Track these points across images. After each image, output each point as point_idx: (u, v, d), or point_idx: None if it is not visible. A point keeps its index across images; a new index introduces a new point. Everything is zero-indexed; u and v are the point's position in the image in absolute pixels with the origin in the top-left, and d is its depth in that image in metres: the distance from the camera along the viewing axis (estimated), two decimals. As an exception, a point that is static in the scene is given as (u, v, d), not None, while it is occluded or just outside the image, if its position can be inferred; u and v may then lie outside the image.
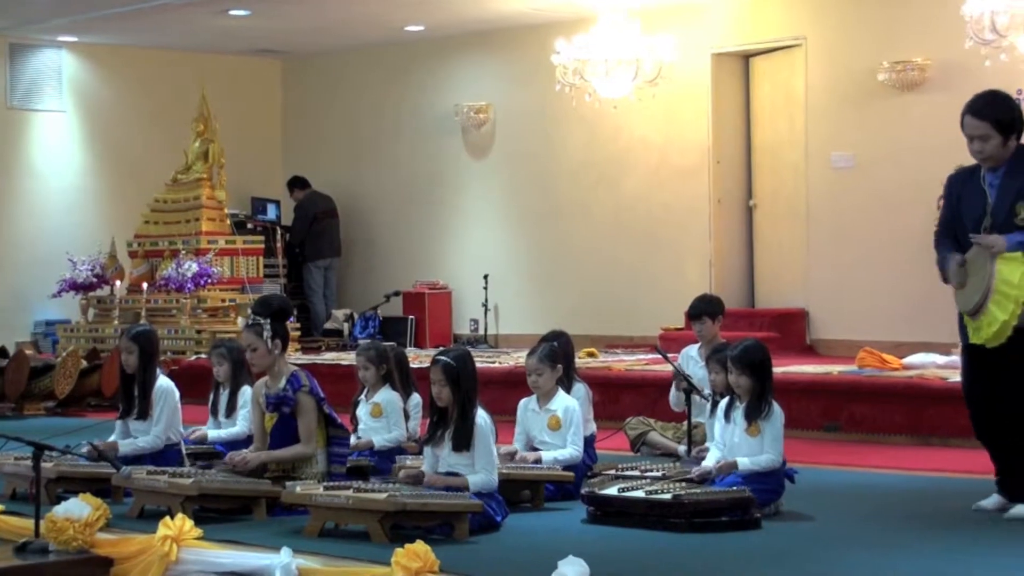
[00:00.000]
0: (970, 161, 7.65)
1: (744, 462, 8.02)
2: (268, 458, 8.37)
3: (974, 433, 8.13)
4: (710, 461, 8.30)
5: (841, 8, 16.12)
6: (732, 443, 8.17)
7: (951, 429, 10.92)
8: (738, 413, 8.18)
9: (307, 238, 19.91)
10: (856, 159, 16.01)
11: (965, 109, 7.89)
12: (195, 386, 12.27)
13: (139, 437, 9.16)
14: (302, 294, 19.80)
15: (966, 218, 7.87)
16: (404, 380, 10.20)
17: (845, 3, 16.08)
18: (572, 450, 8.91)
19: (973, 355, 7.87)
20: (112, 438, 9.28)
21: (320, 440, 8.42)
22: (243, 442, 9.53)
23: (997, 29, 13.74)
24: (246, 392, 10.01)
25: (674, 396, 10.59)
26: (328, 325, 19.29)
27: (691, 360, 10.88)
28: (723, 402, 8.37)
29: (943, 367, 12.13)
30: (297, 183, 20.11)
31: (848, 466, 10.30)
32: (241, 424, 9.98)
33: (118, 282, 17.84)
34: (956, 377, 10.06)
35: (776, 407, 8.15)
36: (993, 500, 7.93)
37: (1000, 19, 13.70)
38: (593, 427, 9.75)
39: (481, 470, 7.72)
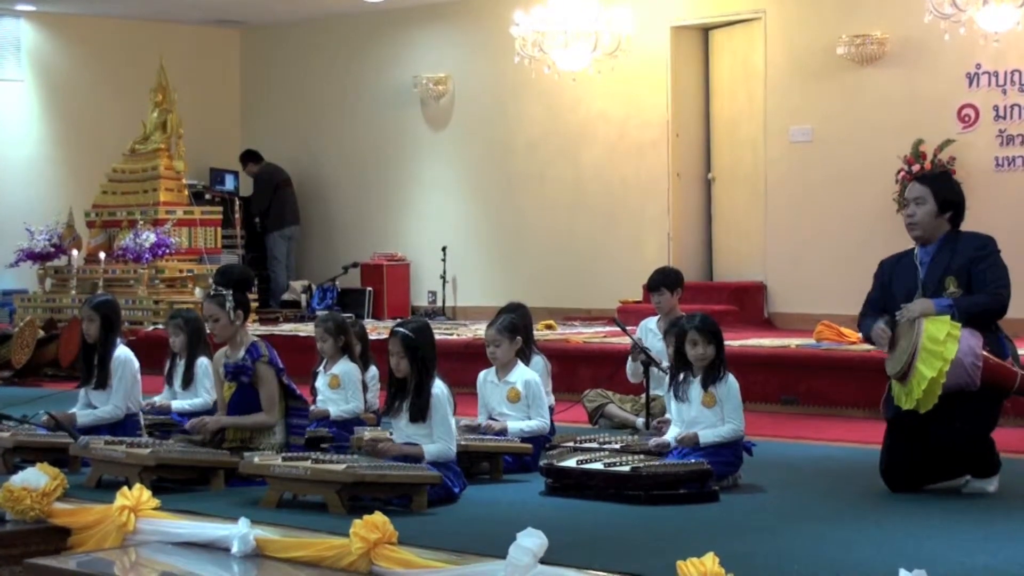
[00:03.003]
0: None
1: (706, 434, 8.02)
2: (229, 423, 8.34)
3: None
4: (670, 436, 8.30)
5: (801, -18, 16.15)
6: (690, 419, 8.16)
7: (908, 403, 10.95)
8: (691, 388, 8.17)
9: (270, 208, 19.89)
10: (814, 133, 16.04)
11: (913, 177, 8.01)
12: (152, 356, 12.20)
13: (98, 407, 9.11)
14: (261, 265, 19.75)
15: (898, 294, 7.97)
16: (363, 352, 10.19)
17: (805, -23, 16.10)
18: (539, 421, 8.92)
19: (899, 427, 7.84)
20: (74, 408, 9.22)
21: (279, 411, 8.40)
22: (205, 413, 9.48)
23: (956, 3, 13.79)
24: (203, 363, 9.99)
25: (631, 367, 10.60)
26: (286, 296, 19.27)
27: (649, 332, 10.88)
28: (679, 378, 8.34)
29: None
30: (250, 157, 20.07)
31: (806, 439, 10.34)
32: (204, 396, 9.94)
33: (75, 252, 17.76)
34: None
35: (731, 377, 8.16)
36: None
37: (959, -7, 13.75)
38: (551, 399, 9.74)
39: (438, 439, 7.70)
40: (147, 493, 7.15)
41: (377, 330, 13.73)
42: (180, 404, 10.04)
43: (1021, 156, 14.70)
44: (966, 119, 14.98)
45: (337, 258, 19.70)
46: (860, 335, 8.20)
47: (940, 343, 7.50)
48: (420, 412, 7.71)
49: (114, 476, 8.08)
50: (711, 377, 8.12)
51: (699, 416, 8.13)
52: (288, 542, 6.56)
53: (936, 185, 8.04)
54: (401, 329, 7.82)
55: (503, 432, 8.79)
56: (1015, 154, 14.73)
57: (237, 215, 19.60)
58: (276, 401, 8.36)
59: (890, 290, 8.06)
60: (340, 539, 6.37)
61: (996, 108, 14.82)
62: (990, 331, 7.81)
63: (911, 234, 8.08)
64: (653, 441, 8.38)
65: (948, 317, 7.59)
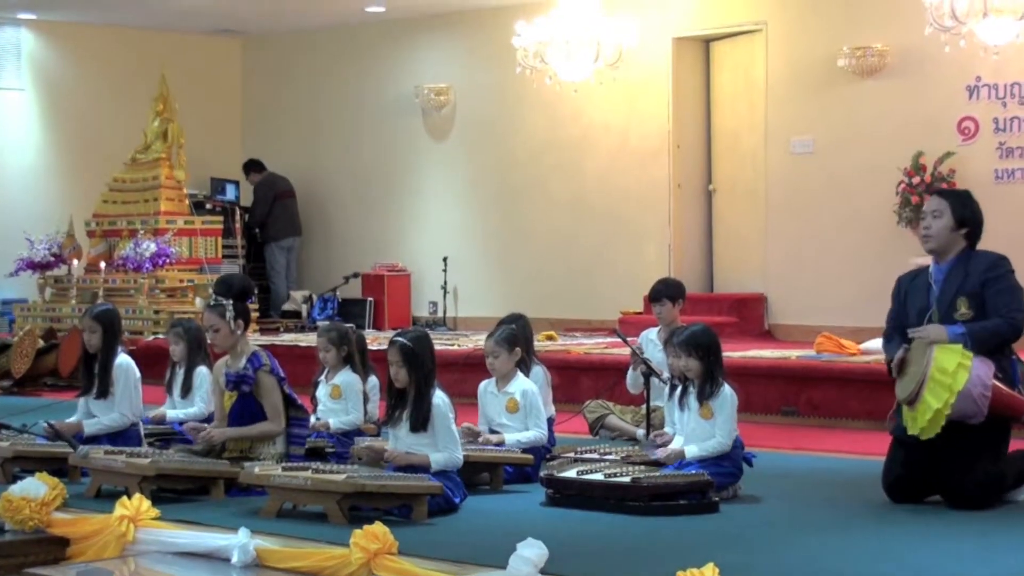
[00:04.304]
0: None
1: (692, 450, 8.04)
2: (234, 434, 8.36)
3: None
4: (675, 445, 8.31)
5: (802, -6, 16.18)
6: (689, 430, 8.19)
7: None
8: (690, 399, 8.20)
9: (268, 218, 19.89)
10: (815, 144, 16.05)
11: (934, 191, 8.05)
12: (152, 366, 12.22)
13: (99, 416, 9.11)
14: (262, 275, 19.75)
15: (912, 311, 8.00)
16: (363, 362, 10.20)
17: (806, -11, 16.13)
18: (536, 432, 8.93)
19: (905, 447, 7.87)
20: (75, 417, 9.23)
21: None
22: (201, 423, 9.49)
23: (956, 16, 13.79)
24: (202, 372, 10.01)
25: (631, 378, 10.59)
26: (286, 306, 19.27)
27: (650, 343, 10.89)
28: (677, 391, 8.36)
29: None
30: (253, 166, 20.07)
31: (805, 450, 10.35)
32: (199, 405, 9.95)
33: (75, 261, 17.76)
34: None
35: (727, 389, 8.15)
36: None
37: (959, 5, 13.75)
38: (552, 410, 9.75)
39: (444, 448, 7.72)
40: (147, 503, 7.15)
41: (378, 340, 13.73)
42: (175, 413, 10.04)
43: (1021, 168, 14.71)
44: (966, 131, 15.00)
45: (338, 268, 19.70)
46: (885, 358, 8.17)
47: (949, 374, 7.52)
48: (421, 422, 7.72)
49: (113, 486, 8.08)
50: (705, 391, 8.13)
51: (697, 428, 8.14)
52: (288, 552, 6.57)
53: (955, 200, 8.05)
54: (400, 339, 7.83)
55: (500, 444, 8.80)
56: (1015, 166, 14.75)
57: (238, 225, 19.60)
58: (280, 409, 8.38)
59: (905, 308, 8.08)
60: (340, 549, 6.38)
61: (996, 120, 14.84)
62: (1003, 355, 7.83)
63: (925, 247, 8.08)
64: (647, 450, 8.41)
65: (960, 346, 7.60)
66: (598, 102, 17.49)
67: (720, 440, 8.05)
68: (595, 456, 8.53)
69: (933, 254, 8.04)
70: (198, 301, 16.42)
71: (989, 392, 7.58)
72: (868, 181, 15.48)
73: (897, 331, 8.07)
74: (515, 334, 9.16)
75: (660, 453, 8.20)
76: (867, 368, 11.67)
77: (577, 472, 7.93)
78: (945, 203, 8.01)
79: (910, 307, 8.02)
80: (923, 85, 15.27)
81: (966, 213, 8.00)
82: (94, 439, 8.89)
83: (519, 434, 8.89)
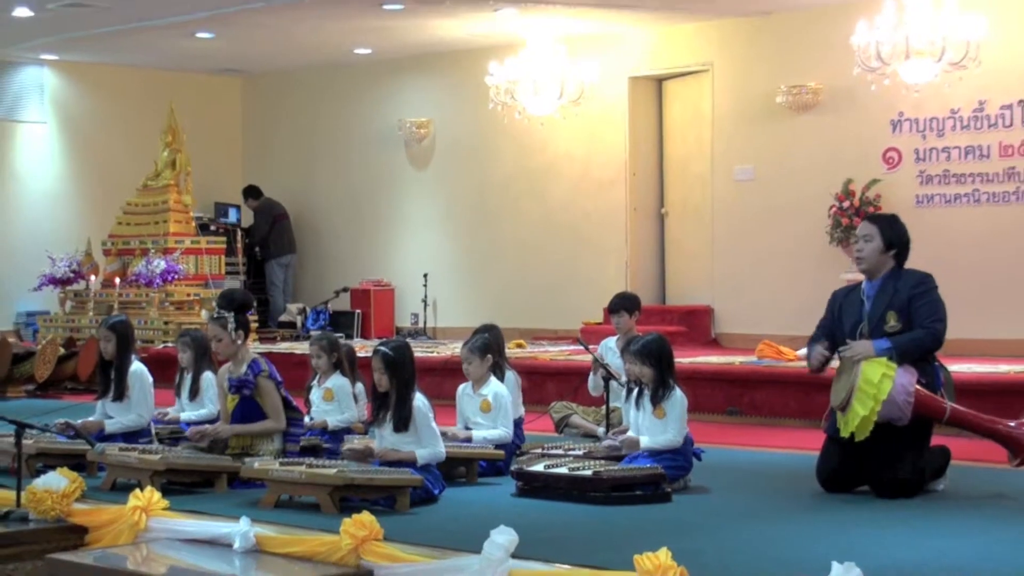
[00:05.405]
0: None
1: (645, 440, 8.04)
2: (241, 430, 8.34)
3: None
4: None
5: (744, 37, 16.19)
6: (643, 427, 8.18)
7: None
8: (645, 400, 8.20)
9: (269, 238, 19.87)
10: (756, 172, 16.09)
11: (864, 216, 8.07)
12: (163, 372, 12.16)
13: (115, 417, 9.09)
14: (262, 289, 19.71)
15: (846, 324, 8.00)
16: (352, 368, 10.17)
17: (748, 33, 16.15)
18: (502, 431, 8.91)
19: (838, 444, 7.86)
20: (93, 418, 9.22)
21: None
22: (211, 422, 9.45)
23: (882, 57, 13.85)
24: (207, 377, 9.96)
25: (592, 382, 10.58)
26: (283, 318, 19.22)
27: (609, 351, 10.88)
28: (634, 392, 8.36)
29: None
30: (251, 192, 20.05)
31: (748, 446, 10.34)
32: (209, 407, 9.91)
33: (93, 277, 17.69)
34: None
35: (678, 392, 8.14)
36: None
37: (884, 48, 13.82)
38: (522, 410, 9.73)
39: (427, 444, 7.71)
40: (157, 495, 7.11)
41: (365, 348, 13.68)
42: (187, 415, 10.00)
43: (939, 194, 14.76)
44: (890, 161, 15.05)
45: (329, 283, 19.66)
46: (806, 354, 8.20)
47: (875, 385, 7.56)
48: (403, 422, 7.70)
49: (127, 479, 8.04)
50: (658, 394, 8.12)
51: (651, 426, 8.13)
52: (285, 539, 6.54)
53: (883, 224, 8.05)
54: (382, 348, 7.81)
55: (468, 440, 8.80)
56: (933, 192, 14.80)
57: (239, 244, 19.55)
58: (281, 409, 8.37)
59: (839, 321, 8.08)
60: (332, 536, 6.35)
61: (917, 151, 14.89)
62: (928, 362, 7.85)
63: (858, 268, 8.09)
64: (606, 443, 8.41)
65: (885, 359, 7.62)
66: (562, 134, 17.50)
67: (671, 436, 8.05)
68: (560, 452, 8.51)
69: (866, 274, 8.05)
70: (203, 313, 16.37)
71: (912, 398, 7.61)
72: (803, 205, 15.52)
73: (823, 337, 8.08)
74: (488, 342, 9.15)
75: (619, 439, 8.20)
76: (803, 373, 11.55)
77: (544, 466, 7.92)
78: (875, 227, 8.02)
79: (844, 320, 8.03)
80: (852, 119, 15.32)
81: (894, 236, 8.01)
82: (110, 437, 8.87)
83: (486, 432, 8.88)
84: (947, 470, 7.96)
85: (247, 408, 8.36)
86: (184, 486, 8.04)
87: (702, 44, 16.57)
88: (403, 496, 7.38)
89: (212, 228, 19.57)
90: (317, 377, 9.89)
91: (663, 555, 5.47)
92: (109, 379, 9.15)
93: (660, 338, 8.32)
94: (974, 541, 6.48)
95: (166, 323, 16.66)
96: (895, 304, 7.84)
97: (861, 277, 8.12)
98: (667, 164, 17.46)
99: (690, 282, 17.01)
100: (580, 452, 8.46)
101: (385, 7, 15.67)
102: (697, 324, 16.33)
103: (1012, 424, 8.02)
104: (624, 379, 9.74)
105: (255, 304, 15.41)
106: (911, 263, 8.13)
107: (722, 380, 12.18)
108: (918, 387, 7.65)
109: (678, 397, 8.13)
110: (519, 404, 9.67)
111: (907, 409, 7.61)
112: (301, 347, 14.50)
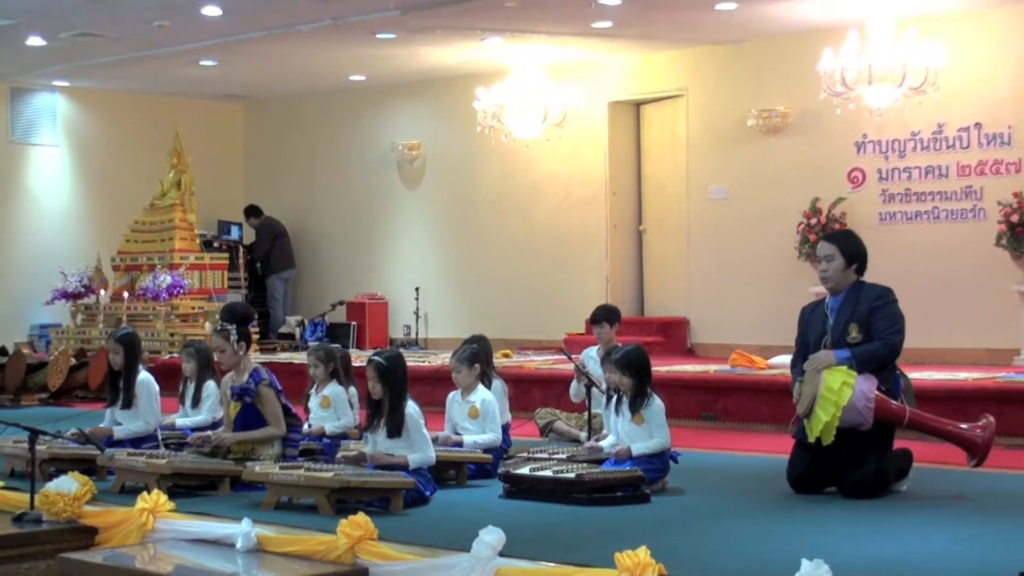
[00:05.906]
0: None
1: (638, 447, 8.03)
2: (243, 437, 8.32)
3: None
4: (605, 444, 8.31)
5: (717, 64, 16.23)
6: (622, 432, 8.18)
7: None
8: (624, 407, 8.20)
9: (270, 254, 19.86)
10: (729, 191, 16.12)
11: (822, 236, 8.06)
12: (169, 381, 12.14)
13: (123, 424, 9.06)
14: (263, 303, 19.70)
15: (811, 337, 8.02)
16: (347, 376, 10.15)
17: (720, 60, 16.19)
18: (491, 436, 8.91)
19: (806, 448, 7.87)
20: (103, 425, 9.20)
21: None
22: (208, 428, 9.43)
23: (846, 83, 13.90)
24: (210, 386, 9.92)
25: (575, 389, 10.58)
26: (282, 330, 19.19)
27: (591, 360, 10.86)
28: (614, 399, 8.36)
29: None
30: (252, 211, 20.05)
31: (722, 450, 10.34)
32: (205, 414, 9.88)
33: (103, 292, 17.68)
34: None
35: (656, 399, 8.15)
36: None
37: (849, 75, 13.88)
38: (508, 416, 9.73)
39: (419, 449, 7.70)
40: (164, 497, 7.10)
41: (360, 358, 13.65)
42: (182, 421, 9.96)
43: (901, 211, 14.80)
44: (855, 180, 15.09)
45: (326, 297, 19.65)
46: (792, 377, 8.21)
47: (835, 392, 7.58)
48: (396, 429, 7.69)
49: (135, 483, 8.03)
50: (637, 402, 8.13)
51: (631, 431, 8.13)
52: (285, 539, 6.53)
53: (842, 242, 8.05)
54: (376, 358, 7.80)
55: (459, 444, 8.79)
56: (895, 210, 14.84)
57: (241, 260, 19.55)
58: (281, 416, 8.34)
59: (806, 335, 8.09)
60: (329, 536, 6.34)
61: (880, 171, 14.94)
62: (888, 370, 7.86)
63: (824, 286, 8.08)
64: (587, 445, 8.40)
65: (846, 367, 7.63)
66: (546, 155, 17.52)
67: (660, 440, 8.06)
68: (545, 456, 8.50)
69: (831, 291, 8.05)
70: (207, 325, 16.34)
71: (872, 404, 7.63)
72: (773, 222, 15.55)
73: (801, 356, 8.09)
74: (476, 352, 9.14)
75: (612, 451, 8.18)
76: (773, 380, 11.69)
77: (530, 469, 7.91)
78: (834, 247, 8.00)
79: (810, 334, 8.04)
80: (818, 141, 15.36)
81: (854, 250, 8.01)
82: (118, 443, 8.84)
83: (476, 436, 8.88)
84: (910, 472, 7.97)
85: (249, 415, 8.33)
86: (189, 489, 8.01)
87: (677, 71, 16.60)
88: (396, 498, 7.37)
89: (215, 245, 19.57)
90: (315, 386, 9.89)
91: (642, 553, 5.47)
92: (118, 388, 9.13)
93: (639, 349, 8.32)
94: (936, 538, 6.49)
95: (172, 335, 16.64)
96: (856, 316, 7.85)
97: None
98: (645, 183, 17.49)
99: (667, 295, 17.03)
100: (564, 456, 8.45)
101: (379, 36, 15.69)
102: (674, 335, 16.34)
103: (966, 426, 8.05)
104: (605, 387, 9.74)
105: (256, 317, 15.43)
106: (875, 276, 8.15)
107: (697, 387, 12.18)
108: (878, 393, 7.66)
109: (657, 404, 8.14)
110: (506, 410, 9.67)
111: (868, 415, 7.62)
112: (300, 357, 14.48)
